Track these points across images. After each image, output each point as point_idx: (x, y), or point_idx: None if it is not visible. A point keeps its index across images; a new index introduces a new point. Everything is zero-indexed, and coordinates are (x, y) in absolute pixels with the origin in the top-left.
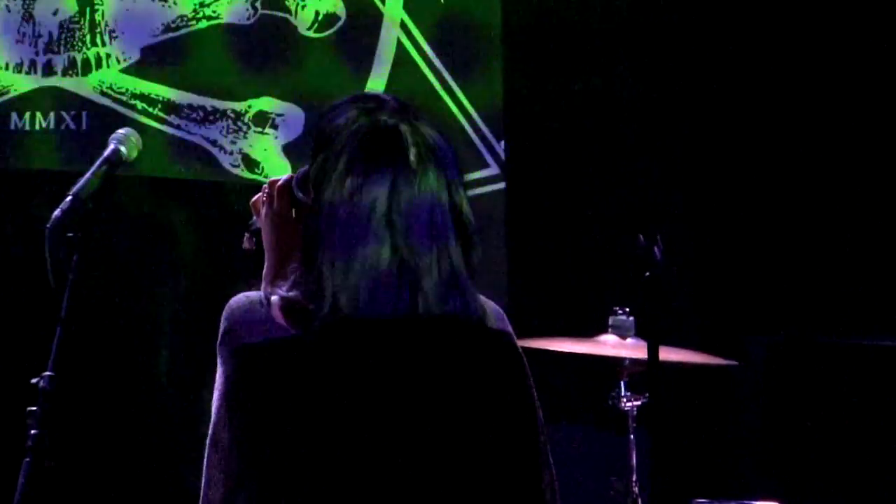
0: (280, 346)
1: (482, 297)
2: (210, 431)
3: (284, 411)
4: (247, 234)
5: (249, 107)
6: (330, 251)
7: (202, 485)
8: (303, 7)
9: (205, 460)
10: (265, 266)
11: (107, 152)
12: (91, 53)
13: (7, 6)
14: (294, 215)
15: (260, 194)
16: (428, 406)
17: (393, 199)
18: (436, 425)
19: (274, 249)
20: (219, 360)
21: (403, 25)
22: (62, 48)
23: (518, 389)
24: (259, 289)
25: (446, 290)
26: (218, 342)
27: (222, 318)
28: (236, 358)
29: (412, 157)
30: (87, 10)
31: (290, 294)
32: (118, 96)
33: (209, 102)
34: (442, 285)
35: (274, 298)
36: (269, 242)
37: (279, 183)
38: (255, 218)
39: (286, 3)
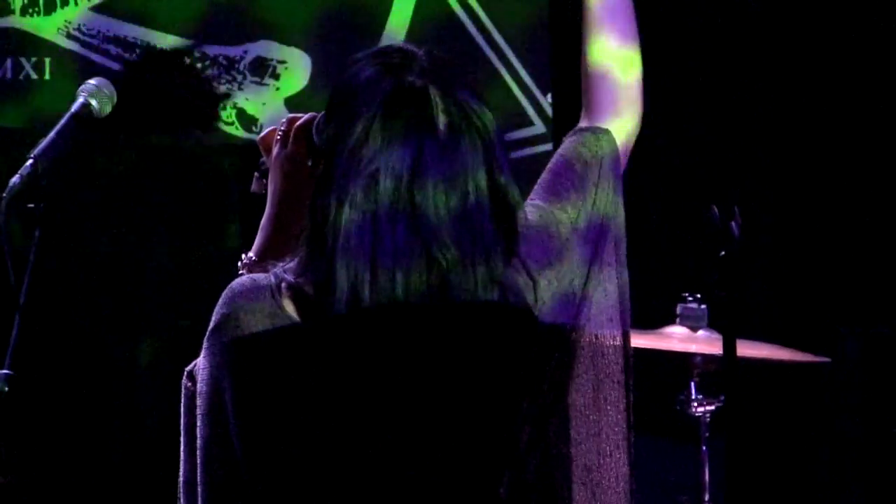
0: (286, 336)
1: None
2: (201, 438)
3: (296, 415)
4: (256, 175)
5: (245, 52)
6: (343, 237)
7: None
8: None
9: (186, 469)
10: (264, 215)
11: (75, 107)
12: None
13: None
14: (310, 164)
15: (272, 128)
16: (457, 403)
17: (417, 177)
18: (468, 422)
19: (277, 199)
20: (206, 352)
21: None
22: None
23: None
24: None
25: (483, 286)
26: (211, 328)
27: (221, 303)
28: (234, 354)
29: (441, 127)
30: None
31: (300, 281)
32: (88, 40)
33: (197, 47)
34: (477, 281)
35: (283, 286)
36: (273, 190)
37: (299, 122)
38: (264, 158)
39: None
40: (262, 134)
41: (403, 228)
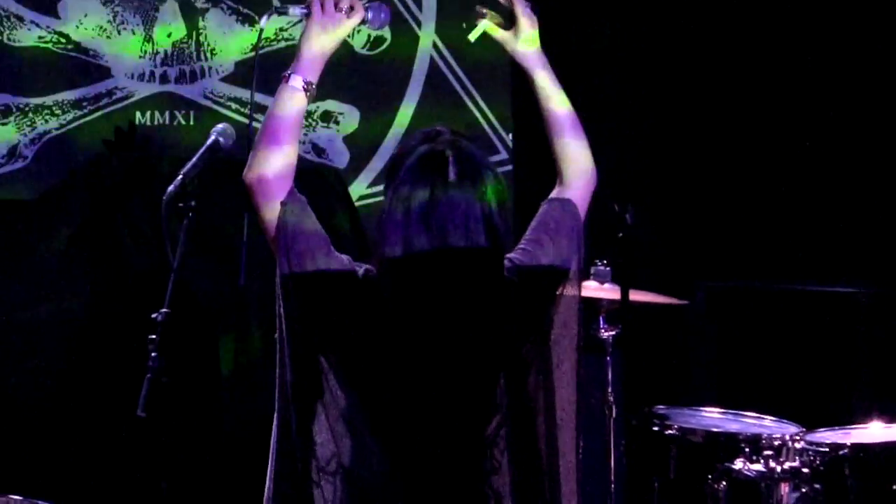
0: (359, 296)
1: None
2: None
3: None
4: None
5: (317, 107)
6: (390, 245)
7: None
8: (358, 32)
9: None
10: (310, 43)
11: (209, 142)
12: (197, 66)
13: (132, 31)
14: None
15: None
16: (457, 350)
17: (433, 207)
18: (466, 364)
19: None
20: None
21: (435, 45)
22: (175, 62)
23: (494, 314)
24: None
25: (478, 272)
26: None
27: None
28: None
29: (451, 176)
30: (194, 33)
31: (371, 271)
32: (217, 99)
33: None
34: (475, 270)
35: (360, 272)
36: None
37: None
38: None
39: None
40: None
41: (425, 238)
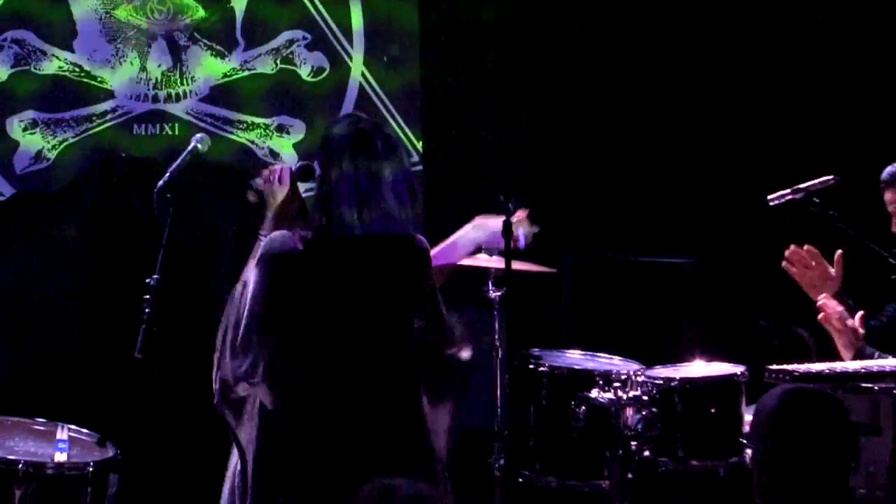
0: (293, 256)
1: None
2: (250, 299)
3: (292, 284)
4: (252, 192)
5: (274, 121)
6: (327, 211)
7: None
8: (304, 63)
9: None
10: (267, 219)
11: (189, 147)
12: (181, 90)
13: (131, 62)
14: (292, 193)
15: (271, 174)
16: (365, 280)
17: (364, 176)
18: (381, 314)
19: (280, 207)
20: (257, 268)
21: (363, 74)
22: (164, 86)
23: (416, 273)
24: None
25: (388, 224)
26: (259, 255)
27: (266, 242)
28: (270, 266)
29: (379, 150)
30: (178, 64)
31: (304, 232)
32: (197, 115)
33: (250, 119)
34: (392, 226)
35: (295, 235)
36: (274, 203)
37: (290, 170)
38: (257, 179)
39: (294, 60)
40: (267, 176)
41: (354, 203)
